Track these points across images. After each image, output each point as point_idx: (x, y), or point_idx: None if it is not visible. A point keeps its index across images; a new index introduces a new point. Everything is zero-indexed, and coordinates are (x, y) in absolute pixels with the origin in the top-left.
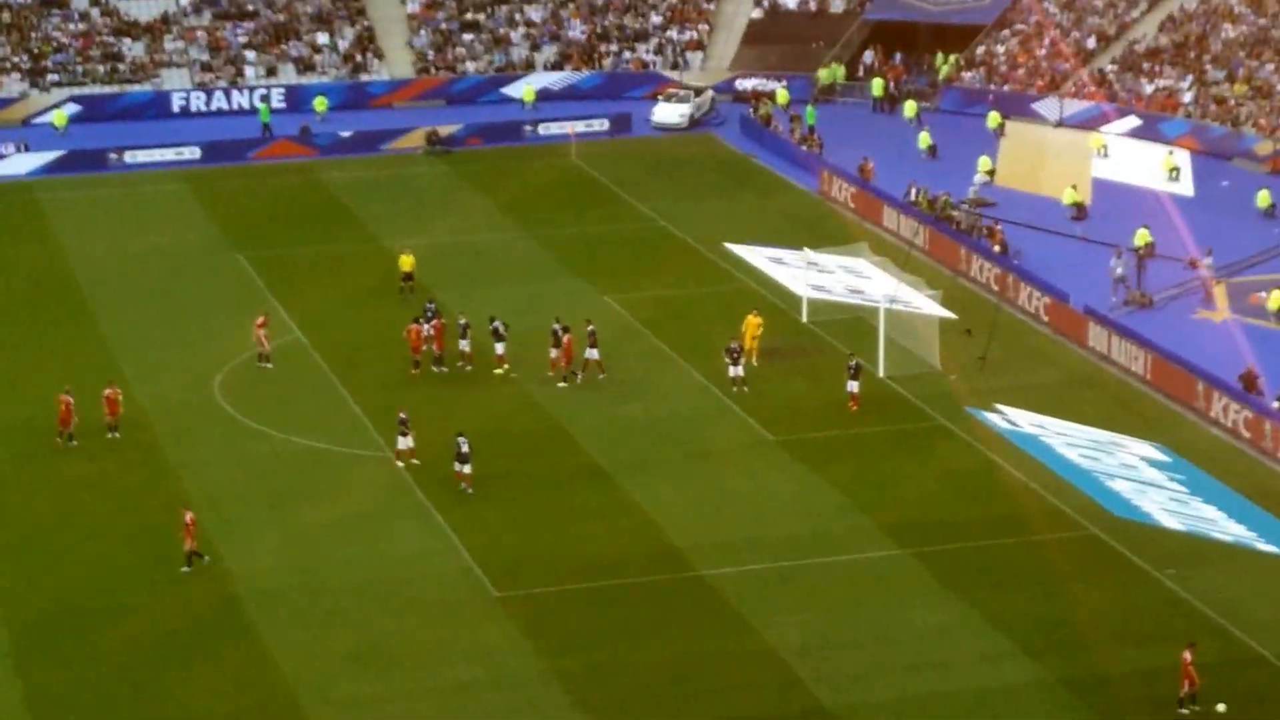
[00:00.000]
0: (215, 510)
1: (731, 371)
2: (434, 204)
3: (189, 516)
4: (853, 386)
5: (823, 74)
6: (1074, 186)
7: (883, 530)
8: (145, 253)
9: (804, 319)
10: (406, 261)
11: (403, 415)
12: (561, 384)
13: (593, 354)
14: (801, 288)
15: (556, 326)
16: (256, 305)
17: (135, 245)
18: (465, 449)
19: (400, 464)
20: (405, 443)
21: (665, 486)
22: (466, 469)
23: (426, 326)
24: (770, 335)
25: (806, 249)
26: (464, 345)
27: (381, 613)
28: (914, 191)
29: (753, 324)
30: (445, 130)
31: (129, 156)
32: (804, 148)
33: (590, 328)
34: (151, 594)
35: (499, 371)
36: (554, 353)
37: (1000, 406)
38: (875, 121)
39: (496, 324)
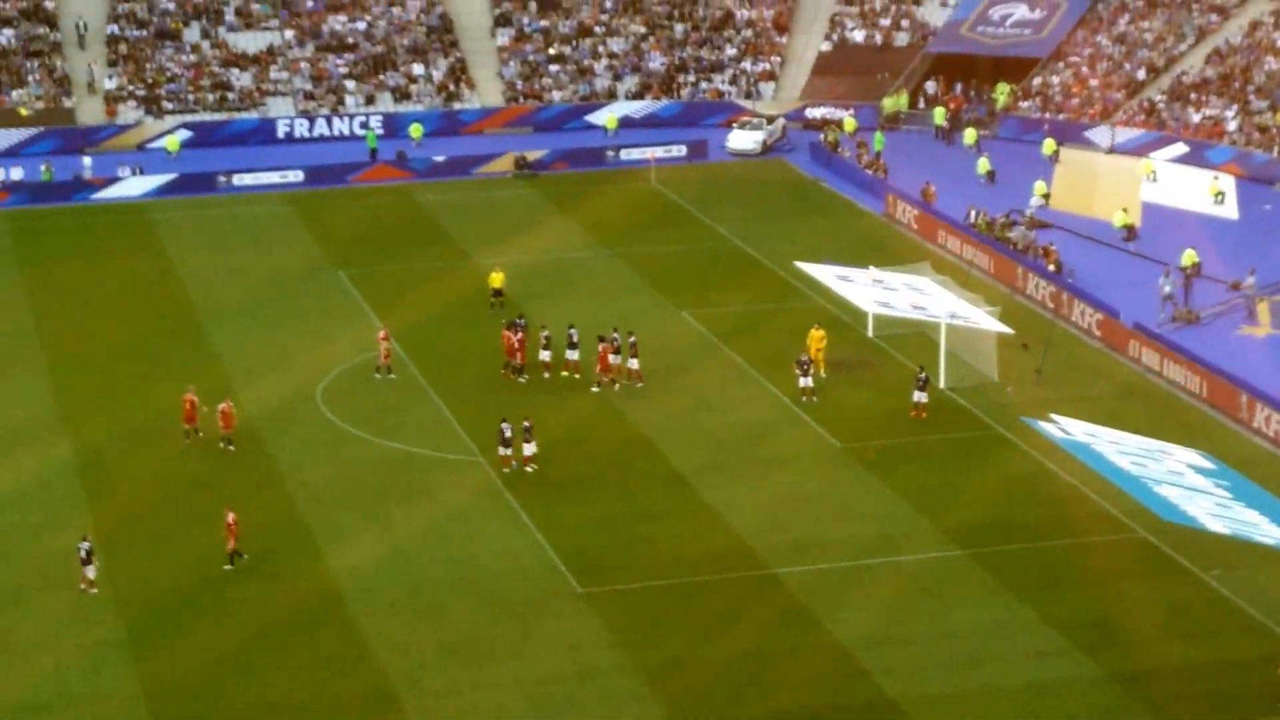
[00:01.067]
0: (317, 510)
1: (801, 382)
2: (522, 224)
3: (231, 517)
4: (920, 397)
5: (887, 103)
6: (1124, 209)
7: (943, 532)
8: (252, 269)
9: (870, 334)
10: (496, 278)
11: (527, 424)
12: (595, 388)
13: (633, 364)
14: (867, 304)
15: (614, 336)
16: (356, 319)
17: (243, 262)
18: (509, 433)
19: (528, 469)
20: (529, 449)
21: (739, 490)
22: (507, 452)
23: (514, 339)
24: (838, 349)
25: (872, 267)
26: (544, 355)
27: (472, 607)
28: (973, 214)
29: (815, 337)
30: (532, 155)
31: (237, 179)
32: (870, 172)
33: (632, 339)
34: (258, 587)
35: (565, 375)
36: (613, 359)
37: (1055, 416)
38: (937, 148)
39: (572, 332)
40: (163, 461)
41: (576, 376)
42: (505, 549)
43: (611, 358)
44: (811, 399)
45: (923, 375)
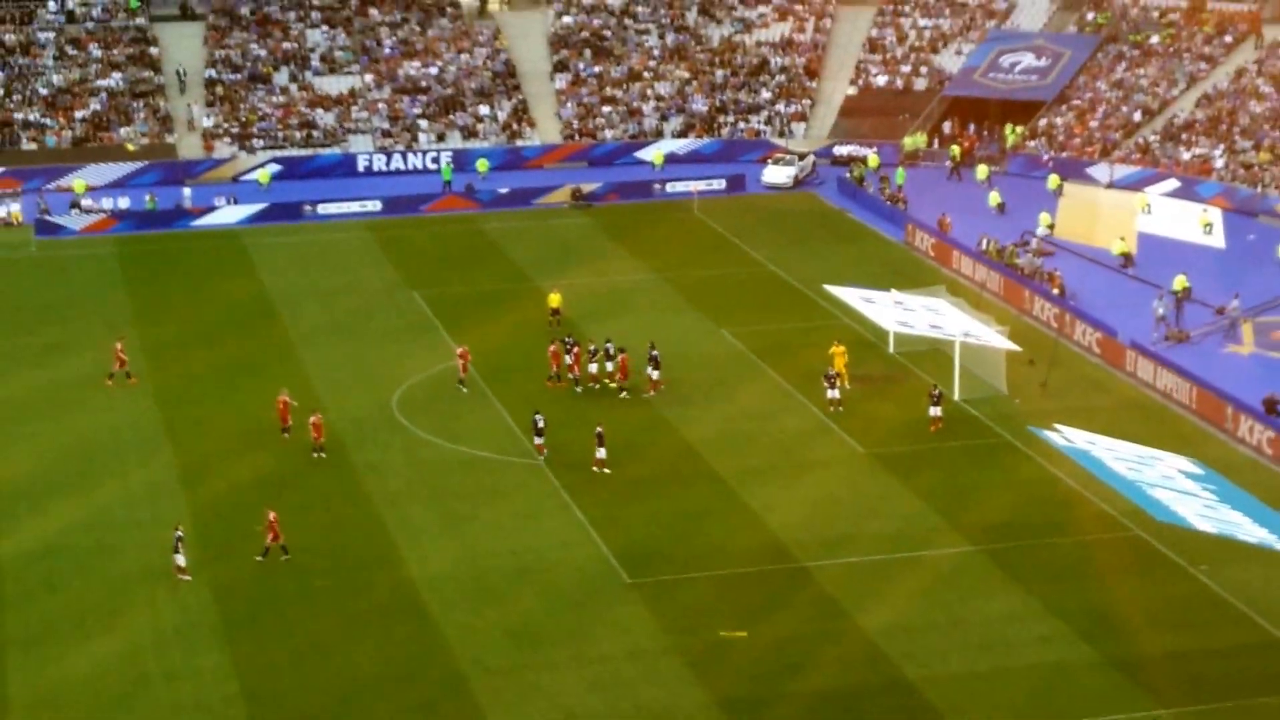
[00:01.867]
0: (393, 508)
1: (829, 395)
2: (577, 250)
3: (272, 515)
4: (935, 411)
5: (907, 141)
6: (1122, 238)
7: (959, 531)
8: (335, 290)
9: (891, 350)
10: (554, 298)
11: (599, 430)
12: (623, 394)
13: (654, 374)
14: (889, 323)
15: (606, 345)
16: (429, 334)
17: (326, 283)
18: (541, 424)
19: (596, 469)
20: (601, 453)
21: (775, 491)
22: (540, 440)
23: (568, 357)
24: (862, 364)
25: (893, 290)
26: (593, 368)
27: (532, 595)
28: (985, 242)
29: (837, 353)
30: (587, 187)
31: (321, 209)
32: (891, 204)
33: (654, 352)
34: (341, 578)
35: (612, 385)
36: (654, 374)
37: (1058, 426)
38: (952, 183)
39: (609, 346)
40: (258, 465)
41: (654, 392)
42: (562, 543)
43: (652, 373)
44: (838, 409)
45: (936, 391)
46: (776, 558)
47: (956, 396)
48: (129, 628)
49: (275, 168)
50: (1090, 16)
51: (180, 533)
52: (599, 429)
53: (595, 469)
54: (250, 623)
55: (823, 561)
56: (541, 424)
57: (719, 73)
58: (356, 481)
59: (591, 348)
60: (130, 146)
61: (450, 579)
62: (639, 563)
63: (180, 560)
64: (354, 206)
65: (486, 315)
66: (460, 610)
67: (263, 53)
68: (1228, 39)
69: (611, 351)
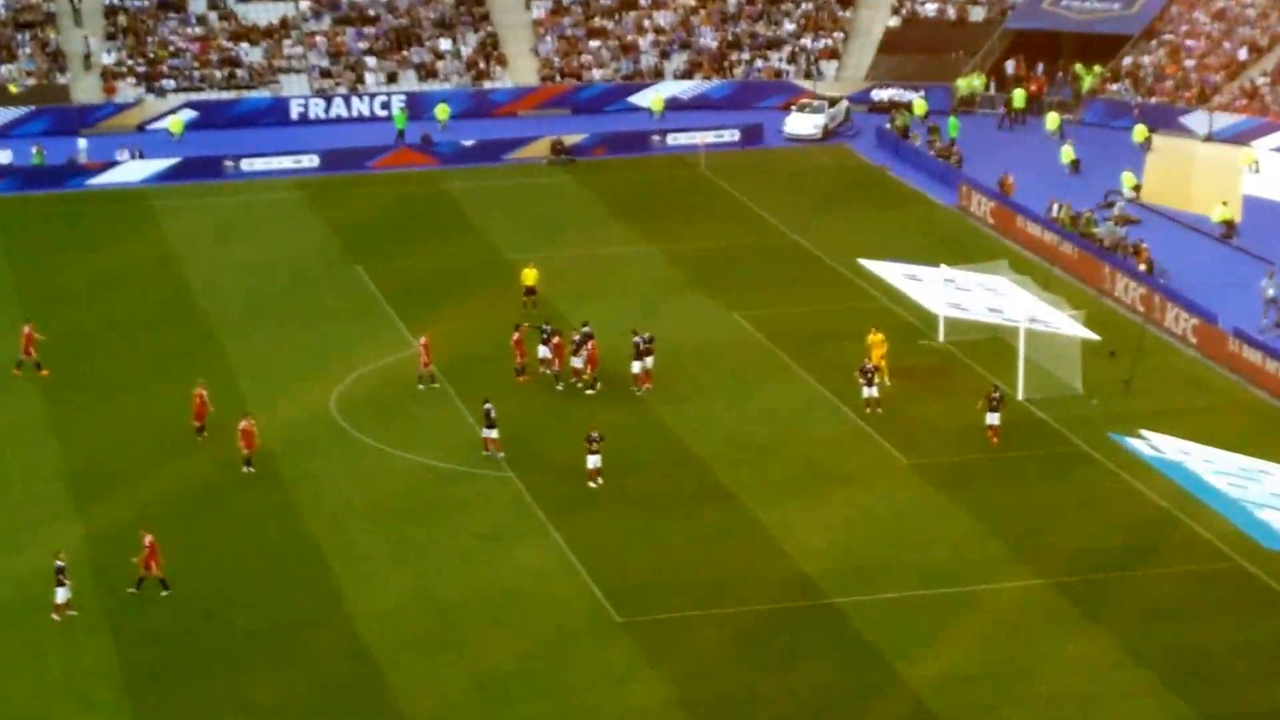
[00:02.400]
0: (333, 532)
1: (865, 393)
2: (558, 216)
3: (148, 539)
4: (993, 419)
5: (962, 84)
6: (1224, 203)
7: (1021, 559)
8: (262, 263)
9: (940, 339)
10: (529, 275)
11: (595, 434)
12: (589, 391)
13: (637, 366)
14: (938, 306)
15: (637, 339)
16: (375, 319)
17: (252, 255)
18: (494, 414)
19: (591, 483)
20: (594, 461)
21: (795, 510)
22: (493, 433)
23: (544, 348)
24: (906, 355)
25: (943, 265)
26: (576, 362)
27: (501, 637)
28: (1055, 207)
29: (875, 342)
30: (570, 140)
31: (246, 164)
32: (942, 160)
33: (646, 337)
34: (266, 617)
35: (580, 383)
36: (636, 366)
37: (1145, 432)
38: (1016, 134)
39: (585, 329)
40: (168, 479)
41: (646, 386)
42: (537, 573)
43: (635, 365)
44: (876, 410)
45: (996, 394)
46: (801, 593)
47: (1020, 395)
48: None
49: (190, 115)
50: None
51: (61, 562)
52: (593, 433)
53: (590, 483)
54: (155, 675)
55: (858, 598)
56: (494, 414)
57: None
58: (288, 499)
59: (576, 336)
60: (12, 88)
61: (402, 619)
62: (633, 598)
63: (61, 596)
64: (286, 162)
65: (447, 295)
66: (414, 658)
67: None
68: None
69: (579, 338)
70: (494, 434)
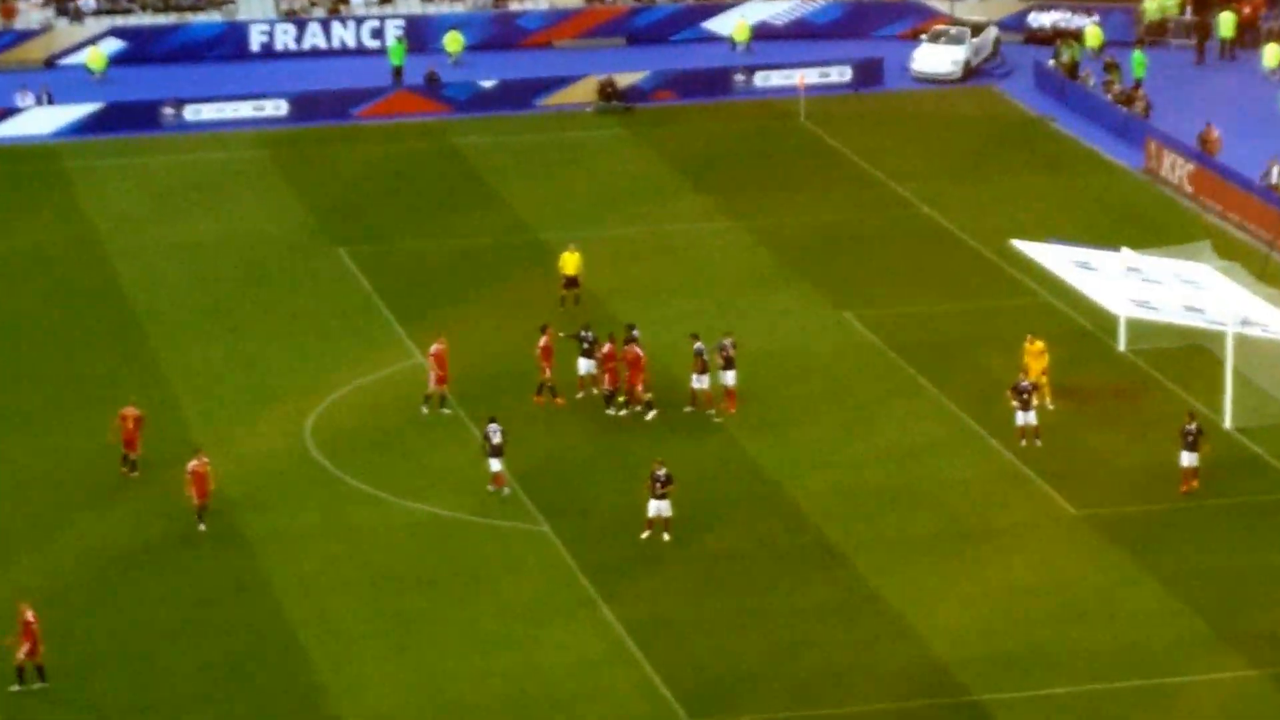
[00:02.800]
0: (308, 601)
1: (1020, 419)
2: (608, 182)
3: (29, 615)
4: (1189, 460)
5: (1150, 7)
6: None
7: (1228, 642)
8: (211, 245)
9: (1121, 346)
10: (570, 261)
11: (661, 472)
12: (621, 411)
13: (701, 382)
14: (1119, 303)
15: (698, 345)
16: (362, 318)
17: (198, 234)
18: (497, 439)
19: (647, 535)
20: (658, 507)
21: (926, 577)
22: (497, 465)
23: (584, 363)
24: (1075, 370)
25: (1125, 249)
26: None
27: None
28: (1276, 171)
29: (1032, 352)
30: (624, 80)
31: (190, 112)
32: (1123, 108)
33: (729, 344)
34: (221, 718)
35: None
36: (701, 382)
37: None
38: (1223, 73)
39: (585, 333)
40: (87, 537)
41: (710, 413)
42: (580, 660)
43: (696, 381)
44: (1034, 442)
45: (1192, 427)
46: (935, 688)
47: (1228, 423)
48: None
49: (116, 45)
50: None
51: None
52: (659, 470)
53: (646, 533)
54: None
55: (1010, 694)
56: (498, 439)
57: None
58: (249, 563)
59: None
60: None
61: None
62: (708, 696)
63: None
64: (245, 109)
65: (459, 287)
66: None
67: None
68: None
69: (590, 340)
70: (498, 466)
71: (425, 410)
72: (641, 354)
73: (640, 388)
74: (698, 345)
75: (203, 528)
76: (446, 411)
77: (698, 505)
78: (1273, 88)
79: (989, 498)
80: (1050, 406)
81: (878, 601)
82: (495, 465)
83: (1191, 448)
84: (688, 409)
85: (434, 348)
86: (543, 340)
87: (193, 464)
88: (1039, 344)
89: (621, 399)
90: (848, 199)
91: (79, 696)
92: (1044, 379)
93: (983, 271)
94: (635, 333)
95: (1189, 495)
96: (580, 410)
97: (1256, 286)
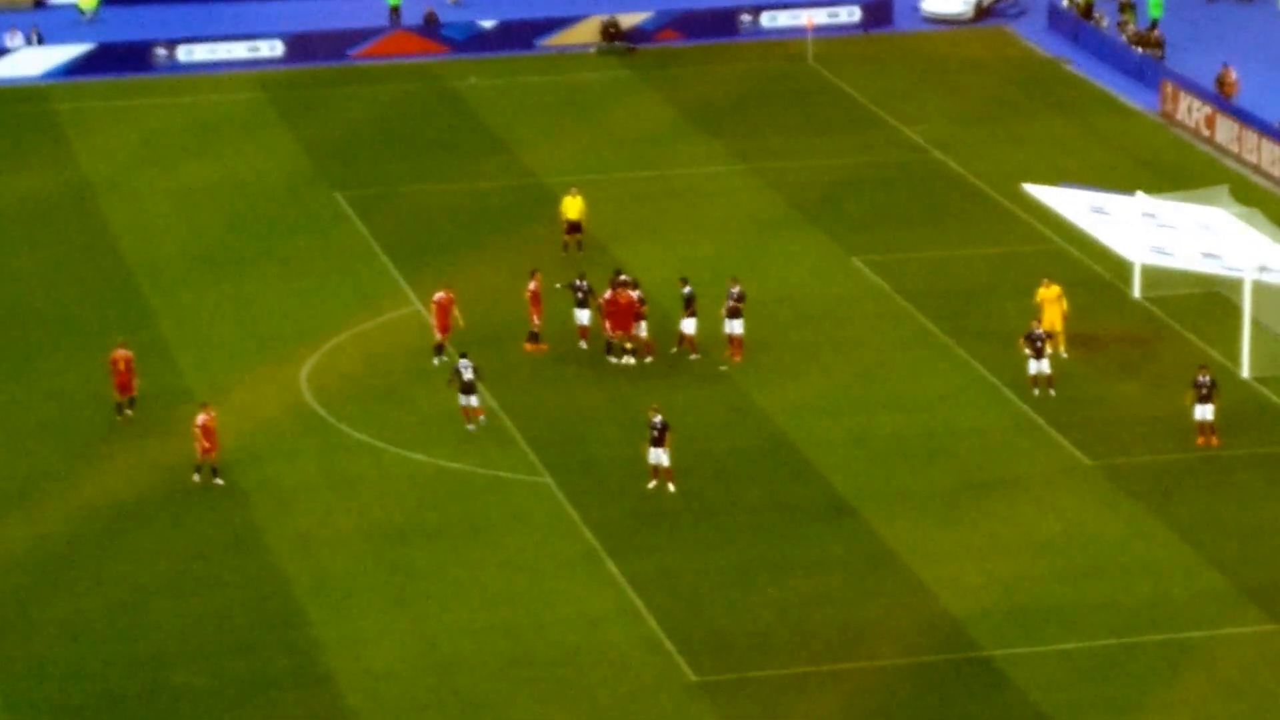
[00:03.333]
0: (308, 559)
1: (1033, 368)
2: (613, 125)
3: (203, 418)
4: (1203, 412)
5: None
6: None
7: (1249, 595)
8: (205, 190)
9: (1136, 293)
10: (572, 206)
11: (657, 419)
12: (628, 359)
13: (689, 326)
14: (1134, 250)
15: (688, 289)
16: (362, 267)
17: (191, 179)
18: (469, 375)
19: (654, 485)
20: (657, 455)
21: (937, 530)
22: (473, 400)
23: (581, 313)
24: (1090, 318)
25: (1141, 194)
26: (641, 328)
27: (536, 703)
28: None
29: (1048, 297)
30: (629, 20)
31: (183, 53)
32: (1139, 50)
33: (736, 292)
34: (217, 673)
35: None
36: (689, 325)
37: None
38: (1242, 11)
39: (579, 283)
40: (82, 491)
41: (693, 356)
42: (584, 615)
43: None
44: (1048, 392)
45: (1205, 378)
46: (947, 643)
47: (1245, 372)
48: None
49: None
50: None
51: None
52: (656, 417)
53: (653, 484)
54: None
55: (1024, 649)
56: (469, 374)
57: None
58: (245, 516)
59: (634, 292)
60: None
61: (400, 681)
62: (715, 652)
63: None
64: (238, 49)
65: (460, 232)
66: None
67: None
68: None
69: (582, 288)
70: (474, 401)
71: (436, 361)
72: (634, 298)
73: (631, 332)
74: (686, 289)
75: (218, 481)
76: (436, 363)
77: (704, 456)
78: None
79: (1002, 448)
80: (1064, 354)
81: (889, 555)
82: (466, 400)
83: (1205, 399)
84: (674, 350)
85: (437, 295)
86: (531, 285)
87: (201, 418)
88: (1055, 288)
89: (629, 346)
90: (856, 143)
91: (70, 653)
92: (1059, 325)
93: (995, 217)
94: (623, 277)
95: (1206, 449)
96: (582, 361)
97: (1276, 233)
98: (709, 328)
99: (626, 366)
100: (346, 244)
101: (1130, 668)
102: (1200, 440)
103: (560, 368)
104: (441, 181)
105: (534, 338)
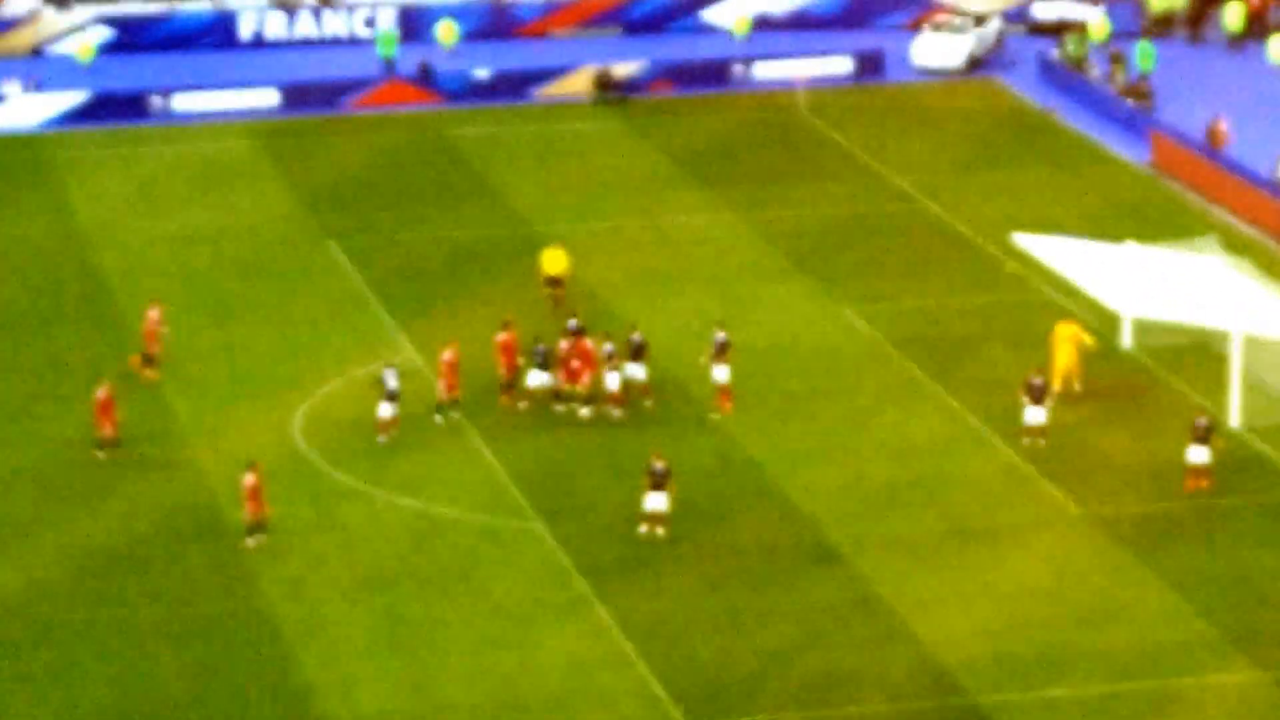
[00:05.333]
0: (295, 599)
1: (1029, 417)
2: (606, 173)
3: (250, 479)
4: (1198, 455)
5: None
6: None
7: (1236, 643)
8: (200, 237)
9: (1126, 343)
10: (554, 260)
11: (659, 466)
12: (585, 410)
13: (636, 371)
14: (1123, 300)
15: (635, 338)
16: (353, 312)
17: (186, 227)
18: (393, 384)
19: (646, 530)
20: (656, 501)
21: (928, 577)
22: (391, 412)
23: (536, 375)
24: (1079, 366)
25: (1131, 243)
26: (612, 380)
27: None
28: None
29: (1065, 336)
30: (621, 71)
31: (179, 102)
32: (1130, 101)
33: (722, 338)
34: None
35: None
36: (636, 372)
37: None
38: (1230, 66)
39: (572, 323)
40: (71, 534)
41: (647, 404)
42: (574, 660)
43: (611, 379)
44: (1039, 441)
45: (1203, 421)
46: (933, 689)
47: (1235, 421)
48: None
49: (105, 34)
50: None
51: None
52: (657, 463)
53: (644, 529)
54: None
55: (1012, 696)
56: (394, 384)
57: None
58: (236, 557)
59: (607, 346)
60: None
61: None
62: (706, 698)
63: None
64: (234, 99)
65: (453, 282)
66: None
67: None
68: None
69: (543, 352)
70: (390, 411)
71: (439, 418)
72: (591, 347)
73: (586, 381)
74: (636, 336)
75: (261, 538)
76: (439, 420)
77: (695, 503)
78: None
79: (992, 496)
80: (1077, 389)
81: (878, 602)
82: (386, 411)
83: (1202, 441)
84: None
85: (446, 354)
86: (502, 336)
87: (248, 479)
88: (1074, 326)
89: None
90: (848, 192)
91: (60, 697)
92: (1075, 363)
93: (984, 266)
94: (573, 323)
95: (1195, 494)
96: (569, 411)
97: (1266, 284)
98: (697, 375)
99: (585, 418)
100: (340, 291)
101: (1118, 715)
102: (1190, 484)
103: (550, 414)
104: (435, 230)
105: (508, 388)
